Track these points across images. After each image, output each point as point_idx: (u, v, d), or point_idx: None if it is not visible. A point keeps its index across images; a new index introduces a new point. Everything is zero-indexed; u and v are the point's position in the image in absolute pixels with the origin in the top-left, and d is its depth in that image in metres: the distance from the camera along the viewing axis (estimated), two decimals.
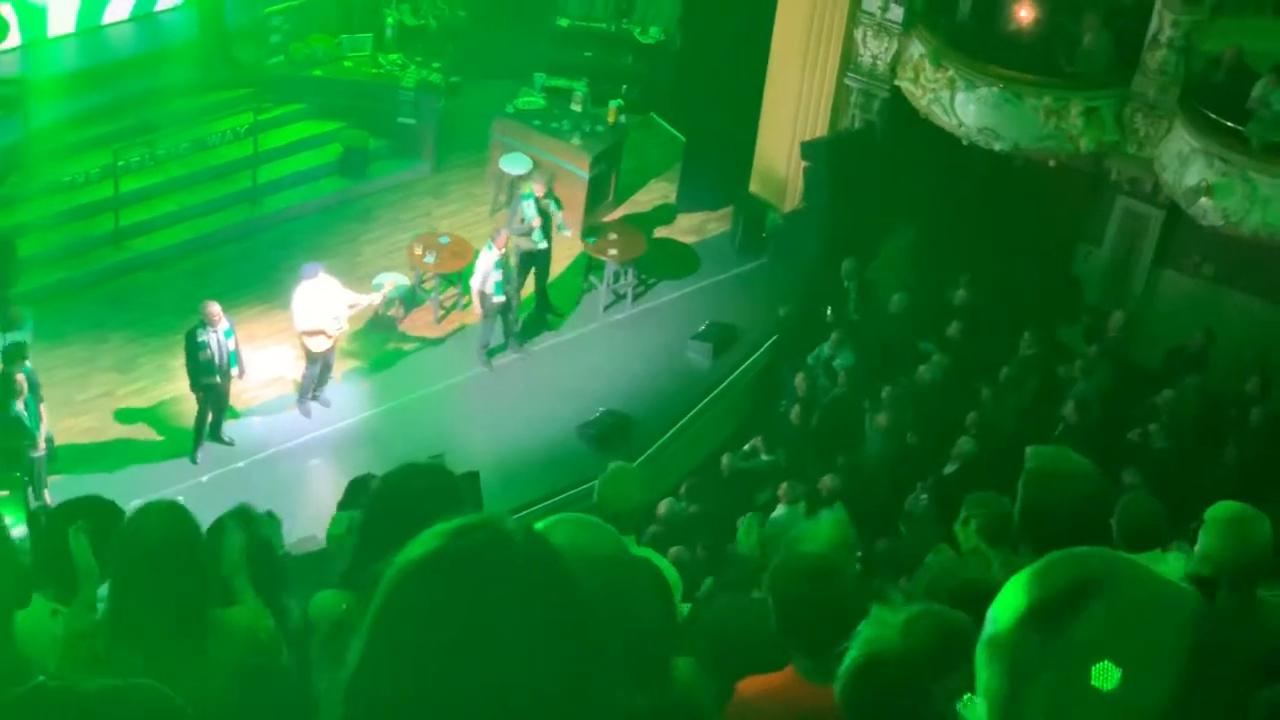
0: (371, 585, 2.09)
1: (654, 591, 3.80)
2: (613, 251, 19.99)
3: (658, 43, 23.56)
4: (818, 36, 19.85)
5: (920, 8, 19.12)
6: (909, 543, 13.86)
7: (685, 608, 6.34)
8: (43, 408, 16.09)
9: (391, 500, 4.71)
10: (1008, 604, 2.03)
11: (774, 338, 19.12)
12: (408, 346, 19.23)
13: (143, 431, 17.61)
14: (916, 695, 4.01)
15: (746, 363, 19.17)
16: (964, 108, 18.39)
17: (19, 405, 15.67)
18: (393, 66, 22.30)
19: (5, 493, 14.09)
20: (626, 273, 20.16)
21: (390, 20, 22.66)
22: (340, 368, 18.42)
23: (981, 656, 2.04)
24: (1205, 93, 17.49)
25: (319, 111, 21.96)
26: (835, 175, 19.59)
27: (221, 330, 16.58)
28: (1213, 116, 17.23)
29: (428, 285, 19.73)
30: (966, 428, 15.94)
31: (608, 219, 21.07)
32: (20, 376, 15.82)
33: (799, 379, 17.32)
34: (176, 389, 17.63)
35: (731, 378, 19.00)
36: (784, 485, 14.92)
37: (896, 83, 19.32)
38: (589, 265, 20.27)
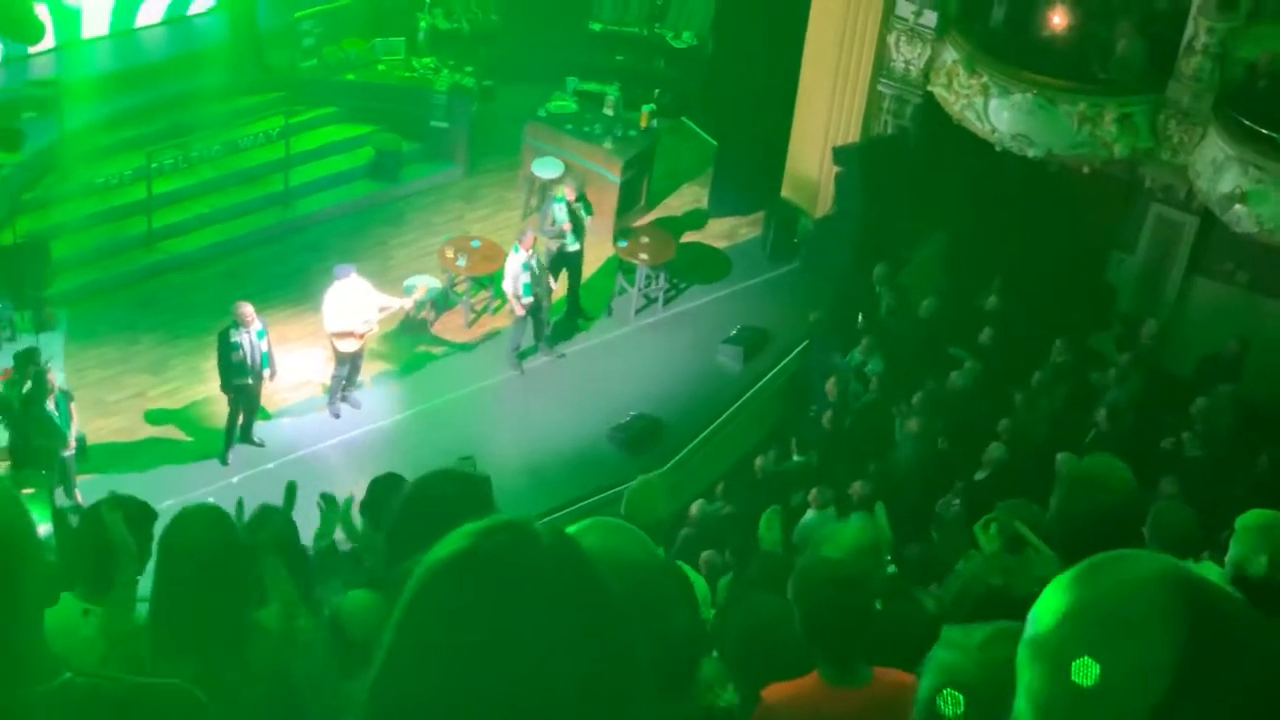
0: (399, 585, 2.09)
1: (682, 599, 3.78)
2: (644, 255, 19.99)
3: (690, 47, 23.55)
4: (850, 42, 19.81)
5: (954, 13, 19.07)
6: (940, 549, 13.81)
7: (714, 613, 6.33)
8: (73, 407, 16.18)
9: (421, 505, 4.71)
10: (1049, 605, 2.02)
11: (804, 343, 19.08)
12: (439, 349, 19.26)
13: (173, 432, 17.67)
14: None
15: (777, 367, 19.14)
16: (997, 114, 18.33)
17: (49, 404, 15.77)
18: (425, 70, 22.34)
19: (30, 490, 14.13)
20: (658, 277, 20.16)
21: (423, 24, 22.70)
22: (371, 370, 18.46)
23: (1023, 657, 2.03)
24: (1240, 100, 17.40)
25: (351, 115, 22.02)
26: (867, 181, 19.55)
27: (254, 331, 16.61)
28: (1247, 123, 17.13)
29: (459, 288, 19.75)
30: (998, 434, 15.89)
31: (639, 223, 21.07)
32: (51, 375, 15.93)
33: (830, 384, 17.28)
34: (207, 390, 17.69)
35: (762, 382, 18.98)
36: (814, 490, 14.90)
37: (929, 88, 19.26)
38: (620, 269, 20.26)
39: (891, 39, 19.48)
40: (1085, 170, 18.75)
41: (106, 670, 4.78)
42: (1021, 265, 18.76)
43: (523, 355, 19.03)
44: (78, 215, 19.61)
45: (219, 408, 17.34)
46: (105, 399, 17.87)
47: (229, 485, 16.64)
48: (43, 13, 19.76)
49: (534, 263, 18.26)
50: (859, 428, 16.96)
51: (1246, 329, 17.75)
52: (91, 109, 20.26)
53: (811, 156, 20.76)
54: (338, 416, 17.93)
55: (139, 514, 6.00)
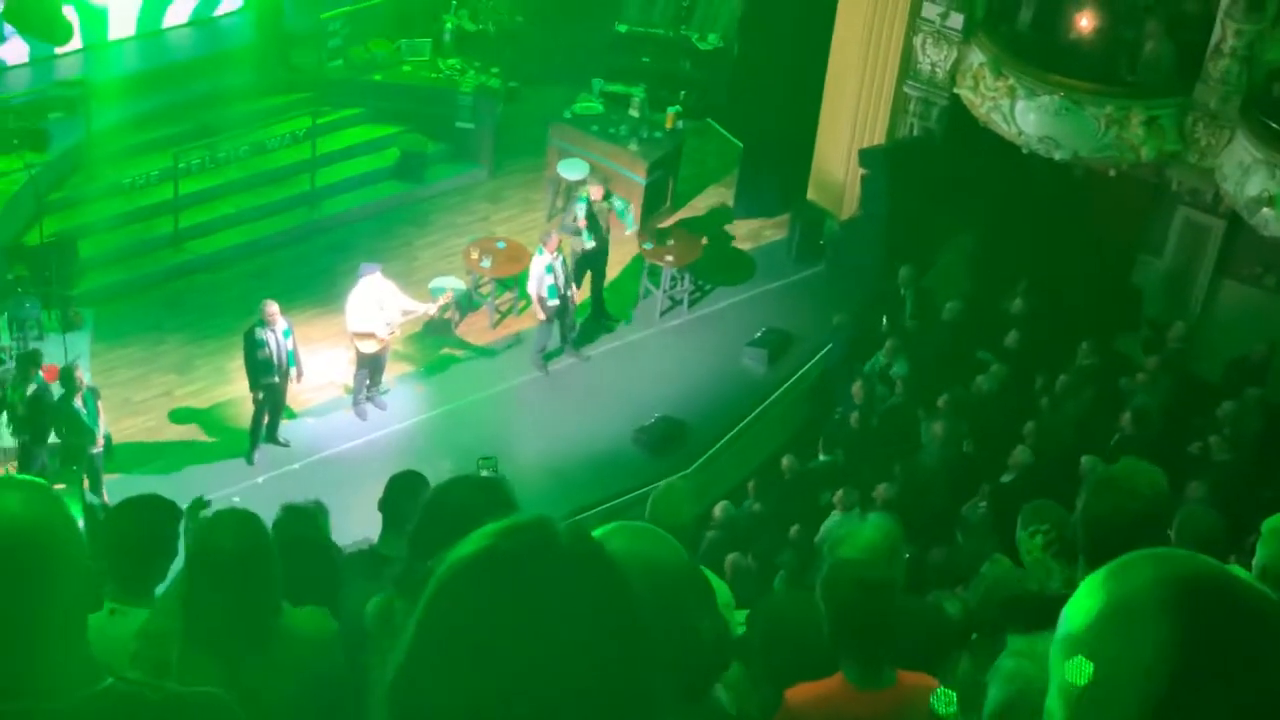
0: (421, 586, 2.09)
1: (707, 603, 3.77)
2: (669, 257, 19.98)
3: (716, 49, 23.52)
4: (876, 44, 19.79)
5: (980, 15, 19.03)
6: (965, 552, 13.78)
7: (741, 614, 6.33)
8: (101, 404, 16.26)
9: (441, 509, 4.71)
10: (1082, 604, 2.01)
11: (829, 346, 19.06)
12: (463, 350, 19.27)
13: (199, 432, 17.73)
14: None
15: (802, 370, 19.12)
16: (1024, 116, 18.28)
17: (77, 401, 15.85)
18: (451, 71, 22.36)
19: (62, 486, 14.20)
20: (683, 278, 20.15)
21: (449, 25, 22.73)
22: (396, 371, 18.49)
23: (1056, 655, 2.02)
24: (1267, 103, 17.34)
25: (377, 116, 22.05)
26: (893, 183, 19.52)
27: (280, 330, 16.65)
28: (1275, 126, 17.08)
29: (484, 290, 19.77)
30: (1024, 437, 15.85)
31: (664, 225, 21.06)
32: (79, 372, 16.01)
33: (856, 387, 17.25)
34: (233, 390, 17.74)
35: (787, 385, 18.95)
36: (839, 492, 14.89)
37: (956, 91, 19.22)
38: (646, 271, 20.26)
39: (917, 41, 19.45)
40: (1112, 173, 18.70)
41: (133, 672, 4.81)
42: (1048, 268, 18.71)
43: (548, 357, 19.05)
44: (105, 215, 19.67)
45: (245, 408, 17.39)
46: (131, 398, 17.93)
47: (254, 485, 16.71)
48: (70, 13, 19.83)
49: (558, 264, 18.28)
50: (884, 430, 16.94)
51: (1274, 332, 17.70)
52: (118, 109, 20.33)
53: (837, 159, 20.74)
54: (364, 419, 17.97)
55: (165, 514, 6.02)
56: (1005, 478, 15.37)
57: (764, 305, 20.24)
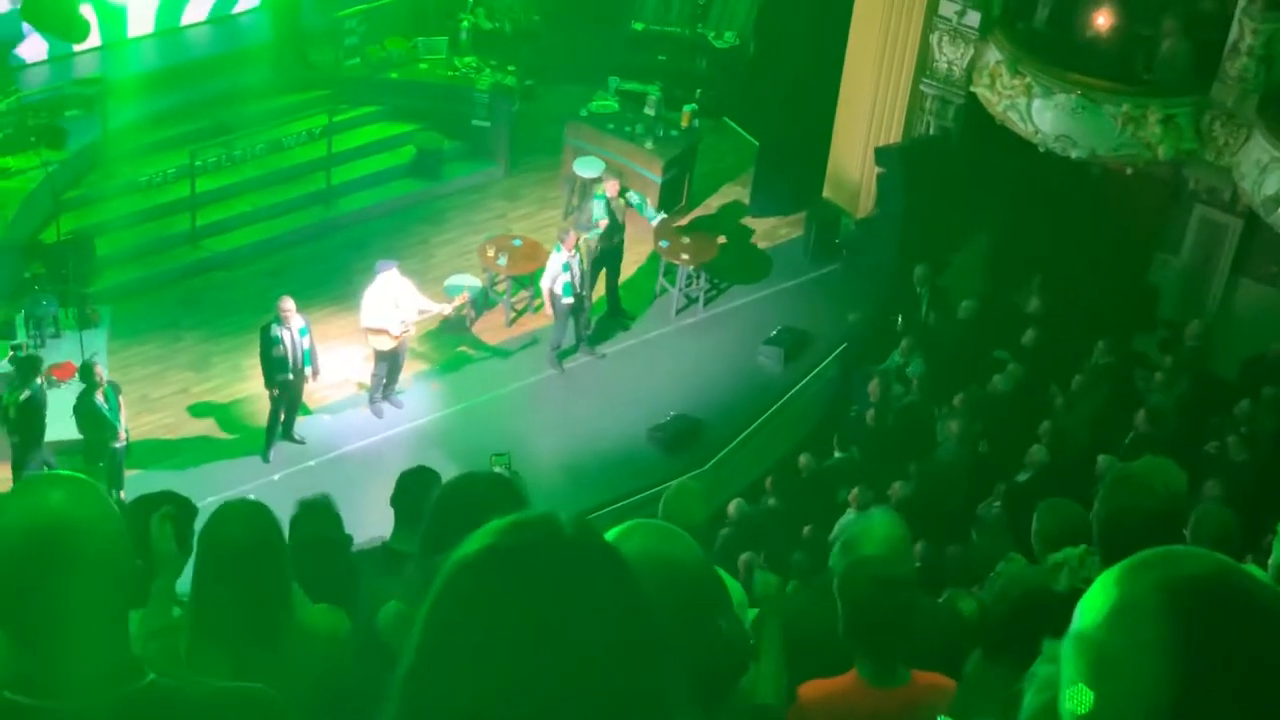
0: (429, 582, 2.09)
1: (725, 603, 3.77)
2: (685, 255, 19.97)
3: (732, 47, 23.51)
4: (893, 42, 19.77)
5: (997, 13, 19.00)
6: (980, 550, 13.77)
7: (753, 614, 6.33)
8: (121, 399, 16.30)
9: (452, 507, 4.71)
10: (1095, 601, 2.01)
11: (844, 344, 19.05)
12: (478, 349, 19.28)
13: (216, 429, 17.76)
14: None
15: (818, 368, 19.10)
16: (1040, 114, 18.25)
17: (98, 397, 15.89)
18: (467, 69, 22.38)
19: None
20: (698, 277, 20.15)
21: (465, 23, 22.75)
22: (411, 369, 18.50)
23: (1068, 651, 2.02)
24: None
25: (393, 114, 22.08)
26: (909, 181, 19.50)
27: (296, 327, 16.67)
28: None
29: (500, 288, 19.78)
30: (1039, 436, 15.83)
31: (680, 223, 21.06)
32: (99, 368, 16.04)
33: (873, 385, 17.24)
34: (250, 388, 17.77)
35: (803, 383, 18.94)
36: (854, 491, 14.88)
37: (972, 89, 19.19)
38: (662, 269, 20.26)
39: (934, 39, 19.43)
40: (1129, 172, 18.66)
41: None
42: (1064, 267, 18.68)
43: (563, 355, 19.05)
44: (122, 213, 19.70)
45: (261, 405, 17.41)
46: (148, 395, 17.97)
47: (270, 482, 16.73)
48: (88, 11, 19.86)
49: (575, 262, 18.28)
50: (900, 429, 16.93)
51: None
52: (136, 107, 20.38)
53: (853, 157, 20.72)
54: (380, 416, 17.98)
55: (181, 511, 6.03)
56: (1021, 476, 15.35)
57: (779, 304, 20.23)
